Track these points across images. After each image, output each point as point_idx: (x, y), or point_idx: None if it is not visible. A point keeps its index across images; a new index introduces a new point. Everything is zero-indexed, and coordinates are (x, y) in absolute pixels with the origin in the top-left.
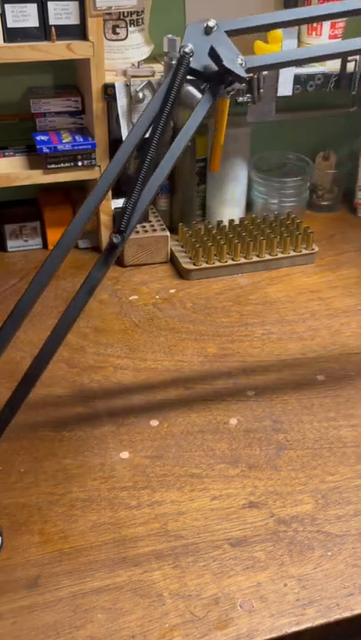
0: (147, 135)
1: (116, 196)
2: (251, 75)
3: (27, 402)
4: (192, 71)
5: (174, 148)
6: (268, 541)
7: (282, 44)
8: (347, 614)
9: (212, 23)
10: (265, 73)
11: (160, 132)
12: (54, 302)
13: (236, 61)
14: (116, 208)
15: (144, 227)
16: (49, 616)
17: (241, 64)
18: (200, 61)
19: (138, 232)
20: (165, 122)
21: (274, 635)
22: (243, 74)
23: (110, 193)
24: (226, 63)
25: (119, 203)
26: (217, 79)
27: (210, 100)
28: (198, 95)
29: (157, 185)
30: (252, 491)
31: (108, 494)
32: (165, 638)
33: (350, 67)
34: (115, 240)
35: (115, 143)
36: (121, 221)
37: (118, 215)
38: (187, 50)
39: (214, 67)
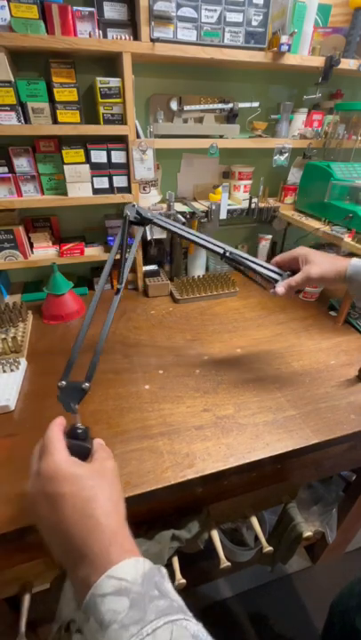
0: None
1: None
2: (151, 219)
3: (99, 360)
4: (131, 222)
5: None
6: (212, 427)
7: (220, 196)
8: (248, 460)
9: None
10: (213, 208)
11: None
12: (117, 313)
13: (147, 214)
14: (145, 270)
15: (160, 279)
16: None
17: (149, 215)
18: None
19: (157, 281)
20: (125, 245)
21: (214, 470)
22: (149, 218)
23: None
24: (143, 214)
25: (147, 267)
26: (140, 222)
27: (140, 229)
28: (139, 228)
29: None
30: (205, 403)
31: (140, 405)
32: (163, 472)
33: (253, 206)
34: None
35: (144, 242)
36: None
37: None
38: (127, 213)
39: (138, 216)
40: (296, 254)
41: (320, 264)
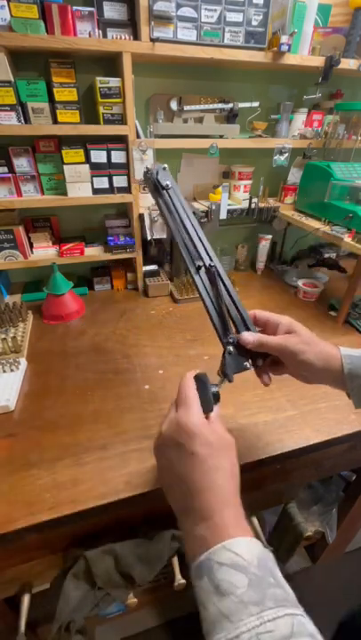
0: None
1: (145, 263)
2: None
3: (99, 361)
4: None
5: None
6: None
7: (220, 196)
8: (248, 460)
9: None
10: (213, 208)
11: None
12: (117, 313)
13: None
14: (145, 270)
15: (160, 279)
16: (112, 462)
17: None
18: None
19: (157, 281)
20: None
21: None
22: (164, 185)
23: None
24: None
25: (147, 267)
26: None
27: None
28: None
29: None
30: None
31: (140, 405)
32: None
33: (253, 206)
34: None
35: (144, 242)
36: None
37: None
38: (149, 169)
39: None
40: (280, 321)
41: (304, 338)
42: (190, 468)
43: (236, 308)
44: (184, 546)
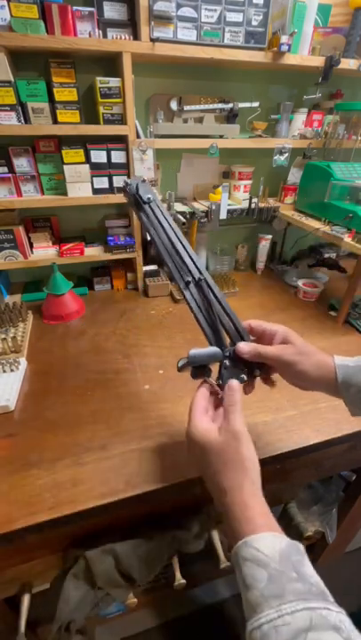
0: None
1: (145, 264)
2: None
3: (99, 361)
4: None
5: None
6: None
7: (220, 196)
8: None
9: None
10: (213, 208)
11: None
12: (117, 313)
13: (146, 196)
14: (145, 270)
15: (160, 279)
16: (112, 462)
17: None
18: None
19: (157, 281)
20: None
21: None
22: (145, 199)
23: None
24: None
25: (147, 267)
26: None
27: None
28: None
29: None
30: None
31: (140, 405)
32: (163, 472)
33: (253, 206)
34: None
35: (144, 242)
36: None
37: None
38: (128, 183)
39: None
40: (276, 330)
41: (299, 348)
42: (203, 473)
43: (230, 318)
44: (183, 546)
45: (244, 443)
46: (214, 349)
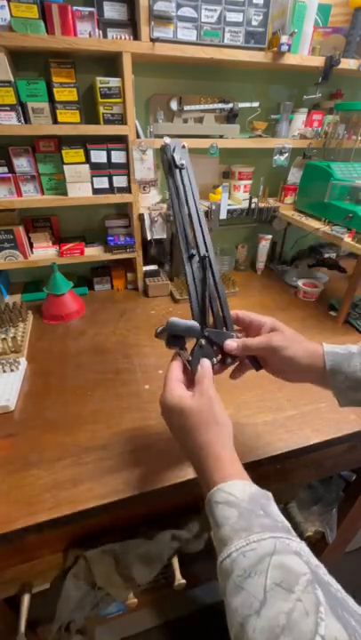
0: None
1: (145, 264)
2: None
3: (99, 361)
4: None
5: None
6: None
7: (220, 196)
8: (248, 460)
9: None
10: (213, 208)
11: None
12: (117, 313)
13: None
14: (145, 270)
15: (160, 279)
16: (111, 462)
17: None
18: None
19: (157, 281)
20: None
21: None
22: (179, 164)
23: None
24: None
25: (147, 267)
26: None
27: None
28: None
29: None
30: None
31: (140, 405)
32: (163, 472)
33: (253, 206)
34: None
35: (144, 242)
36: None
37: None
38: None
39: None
40: (265, 321)
41: (287, 335)
42: (177, 436)
43: (220, 303)
44: (183, 545)
45: (216, 404)
46: (193, 323)
